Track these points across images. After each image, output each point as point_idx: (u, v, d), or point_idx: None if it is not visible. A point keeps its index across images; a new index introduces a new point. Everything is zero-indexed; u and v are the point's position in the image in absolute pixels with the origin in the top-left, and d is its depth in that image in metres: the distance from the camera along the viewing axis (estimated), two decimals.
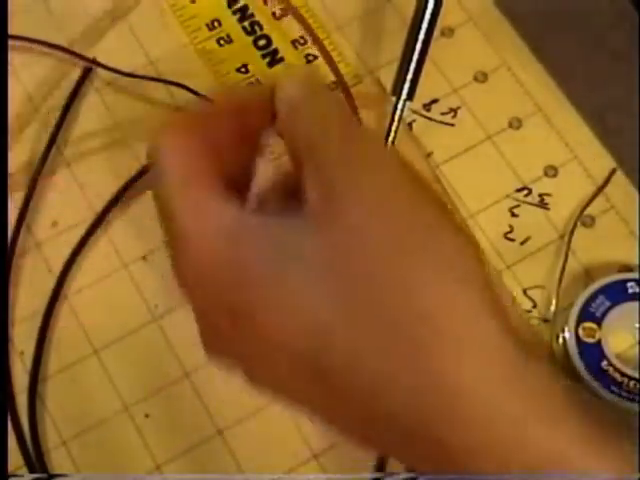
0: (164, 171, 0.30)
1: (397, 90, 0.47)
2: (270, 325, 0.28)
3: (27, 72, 0.51)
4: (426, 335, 0.26)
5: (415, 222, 0.28)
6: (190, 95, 0.49)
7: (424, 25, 0.46)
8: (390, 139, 0.47)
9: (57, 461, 0.44)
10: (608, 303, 0.45)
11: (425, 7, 0.46)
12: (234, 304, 0.28)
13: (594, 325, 0.44)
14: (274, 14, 0.53)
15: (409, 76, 0.46)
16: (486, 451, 0.26)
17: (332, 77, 0.49)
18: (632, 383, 0.43)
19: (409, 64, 0.46)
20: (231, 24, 0.52)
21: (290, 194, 0.31)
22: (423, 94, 0.49)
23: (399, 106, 0.47)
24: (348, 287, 0.27)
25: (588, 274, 0.47)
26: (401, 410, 0.27)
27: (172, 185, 0.30)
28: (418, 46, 0.46)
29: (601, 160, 0.49)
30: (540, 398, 0.27)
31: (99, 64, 0.50)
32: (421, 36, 0.46)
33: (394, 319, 0.27)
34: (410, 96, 0.47)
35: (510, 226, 0.48)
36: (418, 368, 0.26)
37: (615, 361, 0.44)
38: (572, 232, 0.47)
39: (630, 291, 0.45)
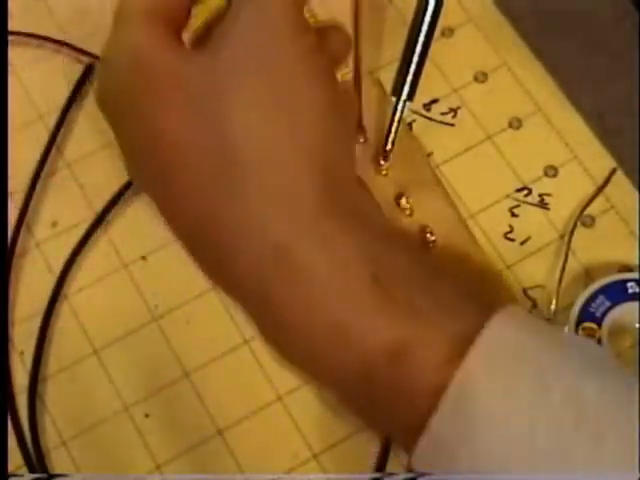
0: None
1: (397, 91, 0.47)
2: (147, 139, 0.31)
3: (27, 72, 0.51)
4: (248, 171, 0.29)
5: (294, 78, 0.30)
6: None
7: (424, 27, 0.46)
8: (390, 140, 0.47)
9: (57, 461, 0.44)
10: (608, 303, 0.45)
11: (426, 8, 0.46)
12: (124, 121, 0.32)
13: (594, 325, 0.44)
14: None
15: (409, 77, 0.46)
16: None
17: None
18: None
19: (409, 65, 0.46)
20: None
21: None
22: (423, 94, 0.49)
23: (399, 107, 0.47)
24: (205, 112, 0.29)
25: (588, 274, 0.47)
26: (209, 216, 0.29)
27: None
28: (418, 48, 0.46)
29: (601, 160, 0.49)
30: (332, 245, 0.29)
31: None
32: (421, 38, 0.46)
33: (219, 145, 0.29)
34: (410, 97, 0.47)
35: (510, 226, 0.48)
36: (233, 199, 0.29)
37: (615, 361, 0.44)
38: (572, 232, 0.47)
39: (630, 291, 0.45)
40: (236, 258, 0.29)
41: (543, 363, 0.27)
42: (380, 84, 0.50)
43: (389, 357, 0.28)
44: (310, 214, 0.29)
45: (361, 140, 0.47)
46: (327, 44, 0.32)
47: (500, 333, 0.28)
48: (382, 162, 0.47)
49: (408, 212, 0.47)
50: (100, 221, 0.48)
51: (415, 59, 0.46)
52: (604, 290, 0.45)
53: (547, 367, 0.27)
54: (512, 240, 0.48)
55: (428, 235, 0.46)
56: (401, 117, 0.47)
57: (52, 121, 0.50)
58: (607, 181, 0.49)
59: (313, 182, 0.29)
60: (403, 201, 0.47)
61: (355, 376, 0.28)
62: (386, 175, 0.47)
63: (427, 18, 0.46)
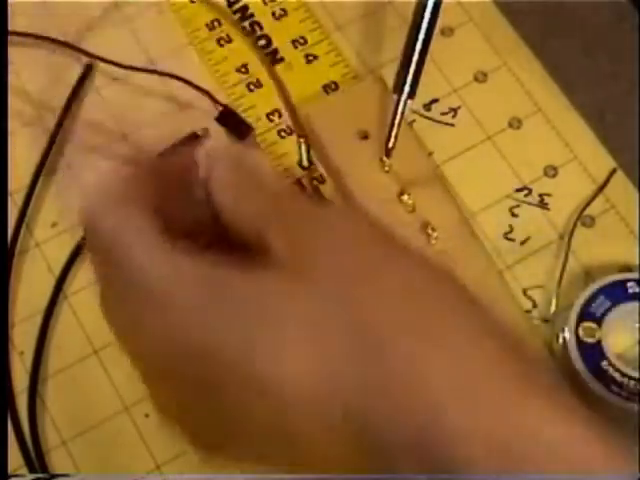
0: (119, 239, 0.30)
1: (399, 88, 0.47)
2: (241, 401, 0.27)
3: (27, 72, 0.51)
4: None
5: (391, 266, 0.28)
6: (192, 92, 0.49)
7: (423, 25, 0.46)
8: (392, 137, 0.47)
9: (57, 461, 0.44)
10: (608, 303, 0.45)
11: (424, 6, 0.46)
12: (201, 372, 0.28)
13: (594, 325, 0.44)
14: (274, 14, 0.53)
15: (410, 75, 0.46)
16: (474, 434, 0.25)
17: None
18: (632, 383, 0.43)
19: (410, 62, 0.46)
20: (231, 24, 0.52)
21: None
22: (423, 94, 0.49)
23: (401, 104, 0.47)
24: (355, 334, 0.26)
25: (588, 274, 0.47)
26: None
27: (134, 248, 0.29)
28: (418, 46, 0.46)
29: (601, 160, 0.49)
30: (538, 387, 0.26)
31: (100, 58, 0.50)
32: (421, 36, 0.46)
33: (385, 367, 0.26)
34: (411, 94, 0.47)
35: (510, 226, 0.48)
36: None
37: (615, 361, 0.44)
38: (572, 232, 0.47)
39: (630, 291, 0.45)
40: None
41: None
42: (383, 81, 0.50)
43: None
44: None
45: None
46: None
47: None
48: (385, 159, 0.47)
49: (410, 209, 0.47)
50: None
51: (415, 57, 0.46)
52: (604, 290, 0.45)
53: None
54: (512, 240, 0.48)
55: (430, 231, 0.46)
56: (403, 115, 0.47)
57: (52, 121, 0.50)
58: (607, 181, 0.49)
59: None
60: (405, 197, 0.47)
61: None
62: (388, 172, 0.47)
63: (426, 17, 0.46)
